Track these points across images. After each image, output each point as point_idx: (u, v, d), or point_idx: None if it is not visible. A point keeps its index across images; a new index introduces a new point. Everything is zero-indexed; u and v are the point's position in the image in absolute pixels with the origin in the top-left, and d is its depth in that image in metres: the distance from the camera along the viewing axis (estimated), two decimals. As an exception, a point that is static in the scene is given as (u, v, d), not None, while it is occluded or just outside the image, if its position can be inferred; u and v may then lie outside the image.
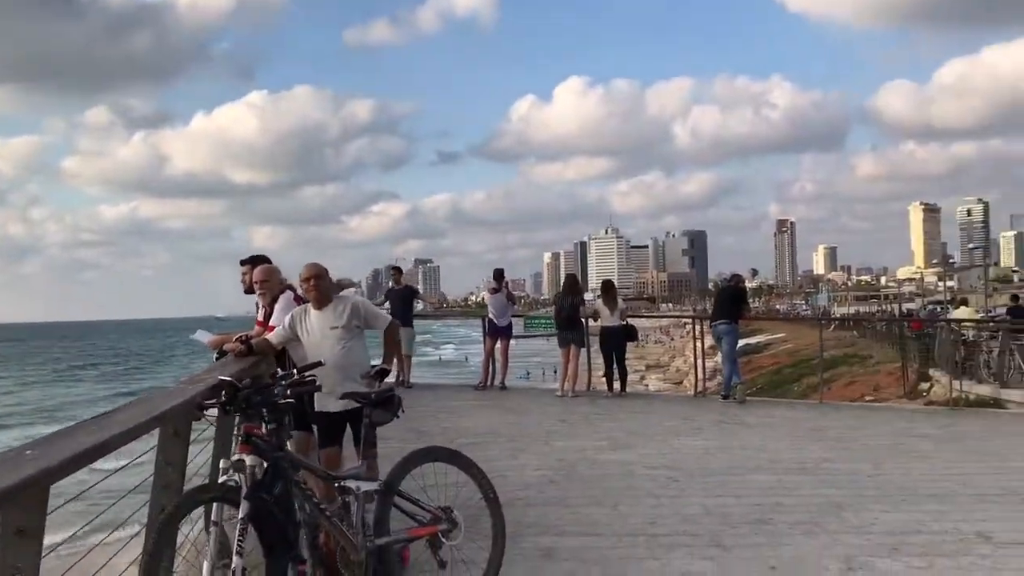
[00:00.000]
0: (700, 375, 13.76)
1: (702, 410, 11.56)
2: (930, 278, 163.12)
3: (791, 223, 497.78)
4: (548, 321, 13.83)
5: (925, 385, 23.33)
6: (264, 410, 3.69)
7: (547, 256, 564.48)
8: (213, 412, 3.96)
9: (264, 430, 3.71)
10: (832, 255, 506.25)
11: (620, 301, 13.21)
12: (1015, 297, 28.40)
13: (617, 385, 12.97)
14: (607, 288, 13.42)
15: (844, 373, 36.02)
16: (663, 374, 75.15)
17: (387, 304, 14.15)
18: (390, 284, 14.62)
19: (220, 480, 3.69)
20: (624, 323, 13.05)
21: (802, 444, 8.97)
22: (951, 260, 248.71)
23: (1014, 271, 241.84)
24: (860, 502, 6.30)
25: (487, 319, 13.79)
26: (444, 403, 12.16)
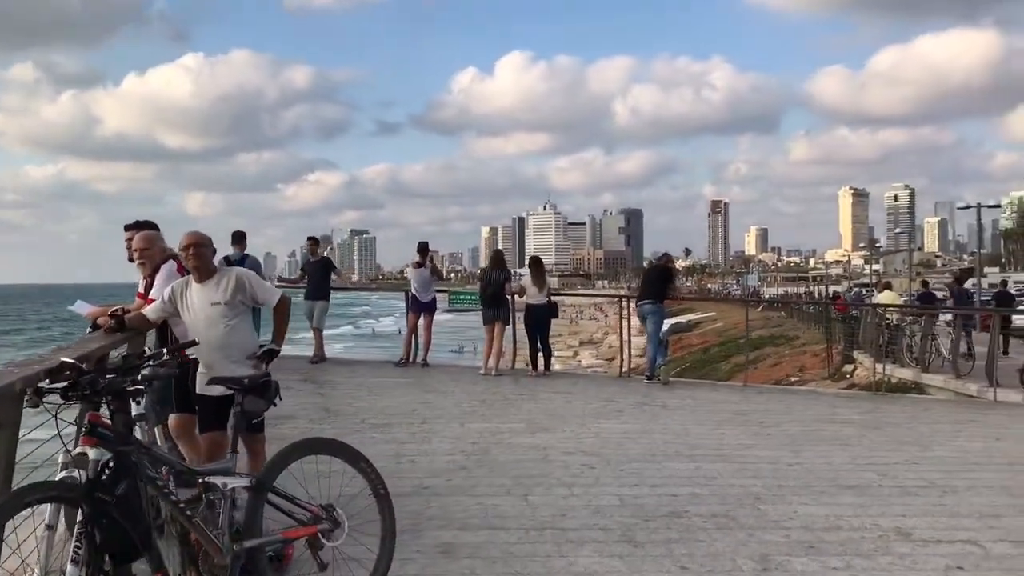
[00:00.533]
0: (626, 355, 13.50)
1: (626, 391, 11.30)
2: (857, 261, 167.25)
3: (724, 204, 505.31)
4: (473, 297, 13.42)
5: (849, 367, 23.62)
6: (109, 397, 3.22)
7: (485, 230, 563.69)
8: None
9: (111, 419, 3.25)
10: (763, 236, 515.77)
11: (548, 279, 12.87)
12: (925, 283, 29.02)
13: (541, 364, 12.67)
14: (535, 265, 13.07)
15: (771, 354, 36.47)
16: (596, 350, 75.63)
17: (305, 277, 13.62)
18: (307, 256, 14.06)
19: (59, 477, 3.22)
20: (548, 300, 12.73)
21: (723, 429, 8.75)
22: (877, 244, 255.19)
23: (937, 256, 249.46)
24: (779, 493, 6.07)
25: (410, 294, 13.34)
26: (362, 380, 11.70)
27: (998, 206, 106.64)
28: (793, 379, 27.17)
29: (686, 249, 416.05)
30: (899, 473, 6.83)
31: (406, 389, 10.93)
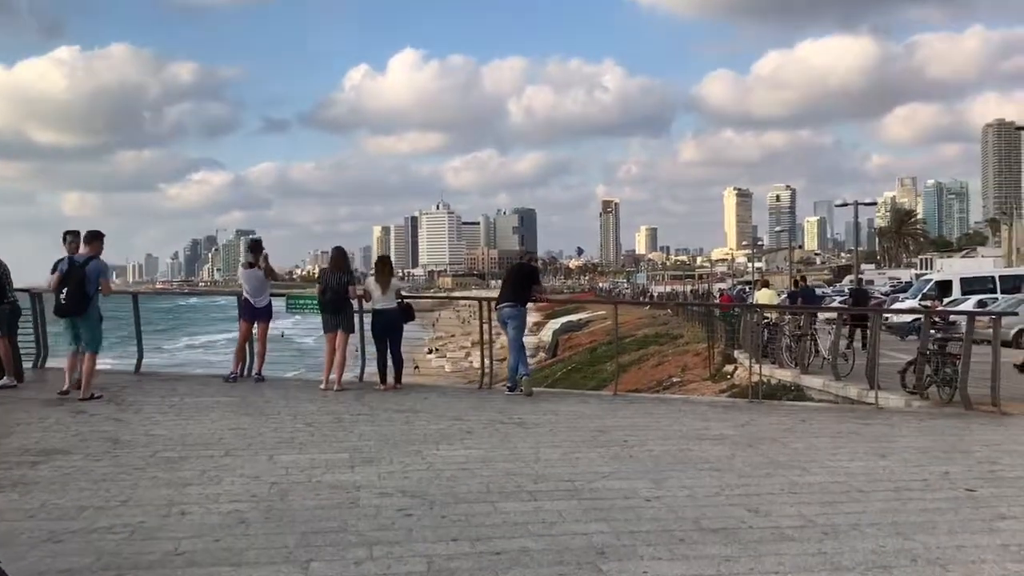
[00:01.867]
0: (487, 364, 12.28)
1: (482, 407, 10.06)
2: (740, 259, 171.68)
3: (615, 204, 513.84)
4: (314, 301, 11.97)
5: (730, 368, 23.09)
6: None
7: (377, 230, 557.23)
8: None
9: None
10: (653, 236, 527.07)
11: (396, 279, 11.51)
12: (797, 281, 28.85)
13: (392, 377, 11.35)
14: (382, 264, 11.70)
15: (655, 353, 36.02)
16: (487, 349, 74.64)
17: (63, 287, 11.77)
18: (73, 258, 9.99)
19: None
20: (400, 303, 11.40)
21: (580, 452, 7.59)
22: (760, 243, 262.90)
23: (816, 254, 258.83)
24: (629, 544, 4.91)
25: (242, 298, 11.80)
26: (177, 399, 10.10)
27: (874, 203, 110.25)
28: (675, 379, 26.60)
29: (578, 248, 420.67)
30: (773, 508, 5.78)
31: (224, 410, 9.42)
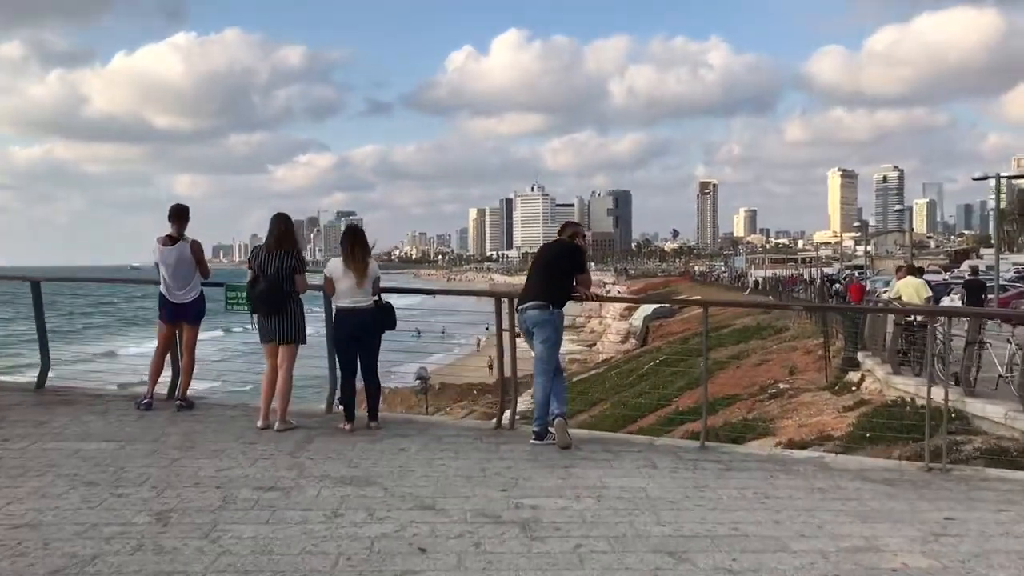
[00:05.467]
0: (507, 394, 8.16)
1: (481, 473, 6.13)
2: (847, 242, 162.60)
3: (714, 185, 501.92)
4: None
5: (854, 376, 18.58)
6: None
7: (473, 212, 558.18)
8: None
9: None
10: (752, 218, 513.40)
11: (374, 263, 7.68)
12: (975, 269, 23.66)
13: (362, 409, 7.57)
14: (351, 237, 7.51)
15: (756, 348, 31.38)
16: (576, 336, 70.55)
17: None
18: None
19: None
20: (377, 301, 7.59)
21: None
22: (873, 225, 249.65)
23: (929, 237, 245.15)
24: None
25: (159, 292, 8.18)
26: (19, 444, 6.53)
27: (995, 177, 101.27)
28: (782, 385, 22.11)
29: (674, 230, 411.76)
30: None
31: (68, 469, 5.78)
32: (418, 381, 34.27)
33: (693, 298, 45.34)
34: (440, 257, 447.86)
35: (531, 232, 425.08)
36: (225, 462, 6.22)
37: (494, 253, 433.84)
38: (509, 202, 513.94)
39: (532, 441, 7.03)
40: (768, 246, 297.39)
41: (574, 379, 42.87)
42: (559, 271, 7.23)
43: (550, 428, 6.99)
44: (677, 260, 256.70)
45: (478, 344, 49.99)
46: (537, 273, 7.31)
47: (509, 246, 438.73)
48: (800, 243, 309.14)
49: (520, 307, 7.22)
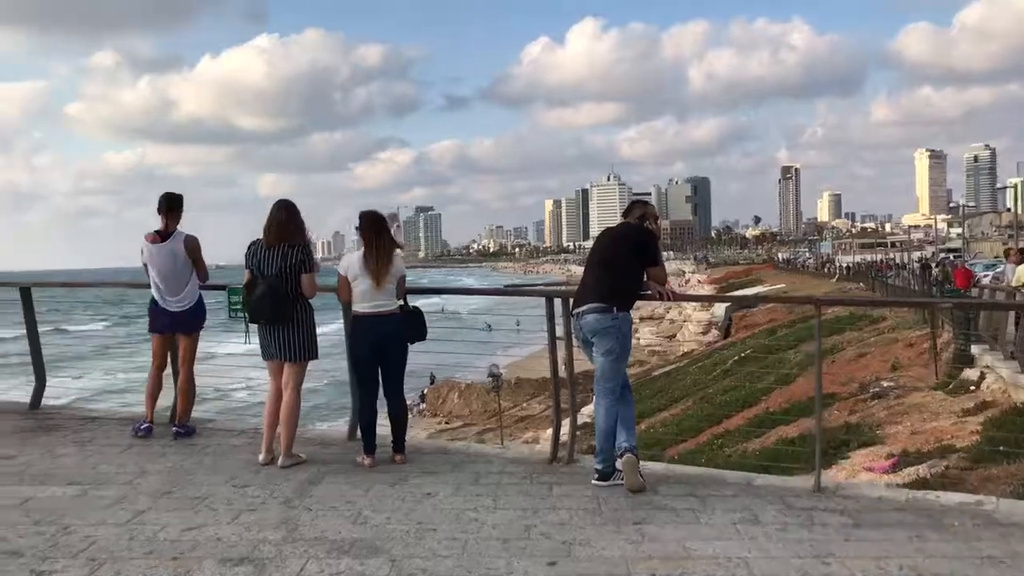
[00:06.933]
0: (563, 423, 6.36)
1: (526, 532, 4.64)
2: (940, 225, 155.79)
3: (796, 170, 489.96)
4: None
5: (972, 374, 16.46)
6: None
7: (549, 204, 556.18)
8: None
9: None
10: (837, 202, 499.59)
11: (399, 258, 6.35)
12: None
13: (384, 436, 6.16)
14: (371, 226, 6.08)
15: (852, 340, 29.01)
16: (655, 327, 68.33)
17: None
18: None
19: None
20: (403, 306, 6.18)
21: None
22: (970, 205, 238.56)
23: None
24: None
25: (152, 297, 6.92)
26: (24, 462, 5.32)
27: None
28: (885, 383, 20.01)
29: (755, 217, 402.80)
30: None
31: (5, 526, 4.52)
32: (490, 379, 32.94)
33: (798, 295, 42.24)
34: (517, 250, 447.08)
35: (607, 222, 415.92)
36: (200, 516, 4.88)
37: (571, 244, 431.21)
38: (585, 192, 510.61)
39: (594, 481, 5.49)
40: (854, 230, 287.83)
41: (653, 373, 41.05)
42: (625, 263, 5.64)
43: (617, 466, 5.45)
44: (759, 247, 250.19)
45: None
46: (597, 266, 5.72)
47: (586, 237, 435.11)
48: (888, 226, 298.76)
49: (576, 310, 5.67)
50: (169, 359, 7.09)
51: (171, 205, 6.79)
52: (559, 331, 6.11)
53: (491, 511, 4.98)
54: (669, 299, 5.78)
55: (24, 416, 7.75)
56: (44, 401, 8.11)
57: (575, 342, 5.83)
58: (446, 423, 36.76)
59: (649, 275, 5.68)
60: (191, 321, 6.86)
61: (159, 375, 6.95)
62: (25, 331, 8.06)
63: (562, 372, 6.30)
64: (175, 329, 6.85)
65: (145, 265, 6.80)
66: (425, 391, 38.99)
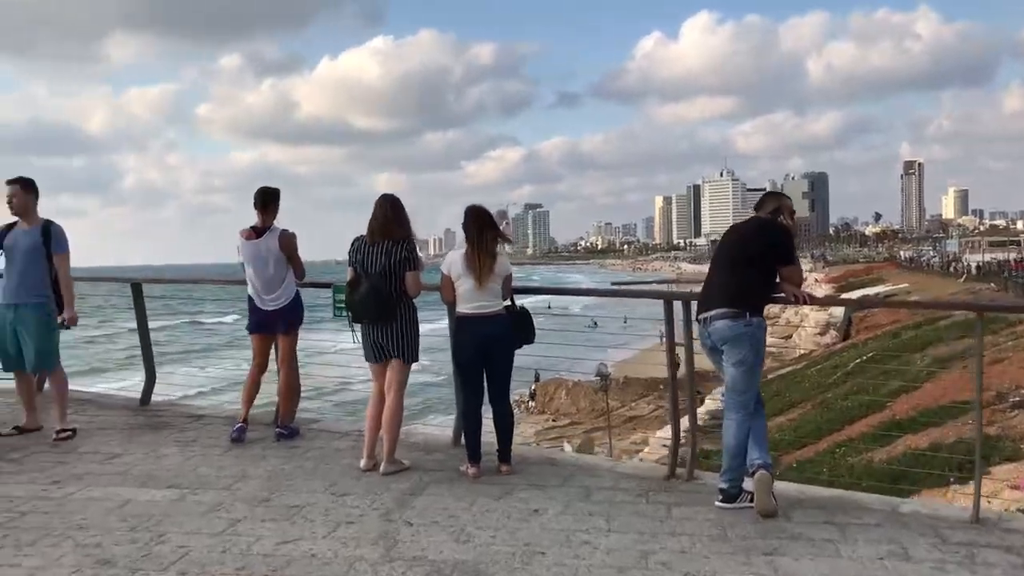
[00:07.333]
0: (682, 433, 5.86)
1: (644, 565, 4.13)
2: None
3: (919, 164, 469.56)
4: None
5: None
6: None
7: (659, 200, 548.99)
8: None
9: None
10: (963, 198, 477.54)
11: (503, 256, 5.95)
12: None
13: (490, 443, 5.79)
14: (476, 221, 5.71)
15: (987, 345, 27.29)
16: (770, 327, 66.29)
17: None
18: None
19: None
20: (509, 306, 5.81)
21: None
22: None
23: None
24: None
25: (248, 296, 6.75)
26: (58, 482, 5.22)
27: None
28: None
29: (876, 213, 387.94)
30: None
31: (102, 532, 4.35)
32: (598, 377, 32.39)
33: (956, 299, 39.11)
34: (626, 247, 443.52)
35: (720, 219, 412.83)
36: (296, 528, 4.62)
37: (681, 241, 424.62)
38: (697, 188, 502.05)
39: (718, 503, 5.00)
40: (982, 228, 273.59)
41: (769, 376, 39.70)
42: (756, 262, 5.12)
43: (746, 486, 4.94)
44: (879, 245, 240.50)
45: (661, 336, 47.64)
46: (725, 266, 5.21)
47: (697, 234, 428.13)
48: (1020, 224, 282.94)
49: (702, 316, 5.17)
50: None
51: (266, 200, 6.60)
52: (678, 336, 5.62)
53: (604, 534, 4.55)
54: (805, 302, 5.20)
55: (134, 412, 7.75)
56: (155, 397, 8.10)
57: (702, 349, 5.32)
58: (553, 420, 36.44)
59: (782, 275, 5.14)
60: (288, 320, 6.66)
61: (258, 375, 6.78)
62: (136, 326, 8.08)
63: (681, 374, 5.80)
64: (272, 329, 6.66)
65: (242, 263, 6.64)
66: (534, 389, 38.70)
